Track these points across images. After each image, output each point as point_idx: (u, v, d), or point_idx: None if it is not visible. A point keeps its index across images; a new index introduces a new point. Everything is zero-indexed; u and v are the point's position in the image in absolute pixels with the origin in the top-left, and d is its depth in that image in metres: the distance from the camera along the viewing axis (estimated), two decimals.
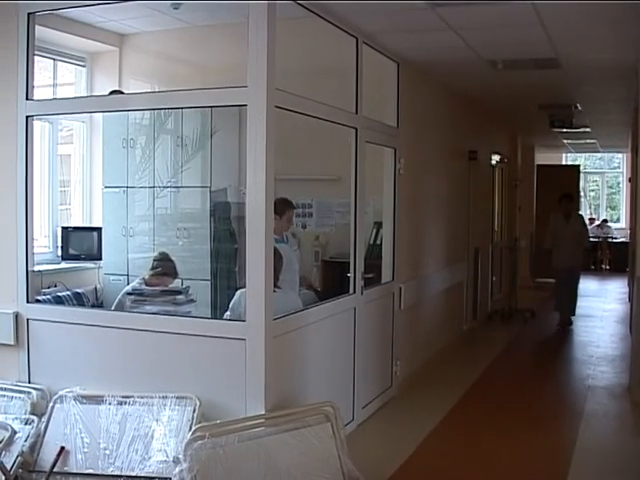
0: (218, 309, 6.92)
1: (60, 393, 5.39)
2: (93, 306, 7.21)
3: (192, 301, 6.56)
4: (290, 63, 5.65)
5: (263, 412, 5.05)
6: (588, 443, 6.61)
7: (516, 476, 5.86)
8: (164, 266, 6.81)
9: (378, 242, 8.18)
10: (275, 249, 5.43)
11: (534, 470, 5.99)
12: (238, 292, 5.96)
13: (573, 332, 11.81)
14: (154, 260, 6.87)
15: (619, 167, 24.55)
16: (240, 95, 5.07)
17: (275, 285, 5.62)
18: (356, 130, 6.62)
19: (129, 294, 6.52)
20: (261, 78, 4.98)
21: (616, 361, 9.81)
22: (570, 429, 6.97)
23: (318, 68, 7.48)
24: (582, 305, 13.84)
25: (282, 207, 7.27)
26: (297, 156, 7.83)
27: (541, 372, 9.42)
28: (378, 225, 8.19)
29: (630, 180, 14.38)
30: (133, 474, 4.96)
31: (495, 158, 13.78)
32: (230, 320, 5.68)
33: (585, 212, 21.84)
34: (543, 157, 20.10)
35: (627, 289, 14.86)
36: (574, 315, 12.48)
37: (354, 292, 6.73)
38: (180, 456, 4.66)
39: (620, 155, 23.62)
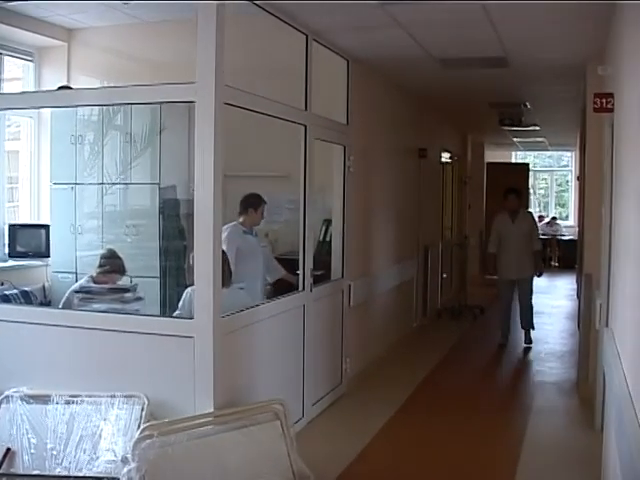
0: (167, 307, 6.89)
1: (6, 393, 5.32)
2: (41, 304, 7.12)
3: (140, 299, 6.52)
4: (240, 60, 5.65)
5: (212, 410, 5.04)
6: (536, 438, 6.69)
7: (465, 471, 5.91)
8: (112, 264, 6.76)
9: (328, 239, 8.20)
10: (223, 252, 5.44)
11: (483, 466, 6.05)
12: (188, 290, 5.94)
13: (520, 329, 11.91)
14: (101, 257, 6.81)
15: (568, 165, 24.85)
16: (188, 91, 5.05)
17: (227, 281, 5.64)
18: (305, 127, 6.63)
19: (77, 292, 6.45)
20: (210, 74, 4.96)
21: (565, 357, 9.93)
22: (519, 424, 7.05)
23: (268, 65, 7.47)
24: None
25: (257, 201, 7.45)
26: (247, 153, 7.84)
27: (490, 368, 9.52)
28: (328, 222, 8.21)
29: (578, 178, 14.52)
30: (81, 474, 4.92)
31: (445, 156, 13.88)
32: (178, 318, 5.66)
33: (534, 210, 22.05)
34: (493, 155, 20.28)
35: (575, 286, 15.06)
36: (533, 329, 10.78)
37: (303, 289, 6.74)
38: (128, 455, 4.63)
39: (569, 153, 23.91)
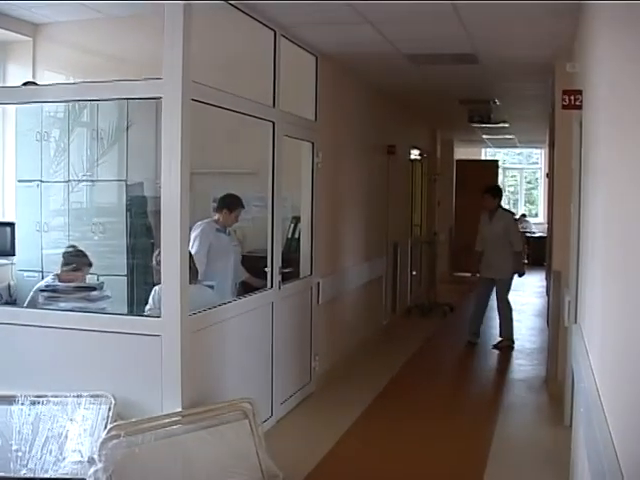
0: (135, 305, 6.84)
1: None
2: (6, 303, 7.05)
3: (107, 297, 6.46)
4: (208, 56, 5.62)
5: (180, 409, 5.02)
6: (506, 435, 6.73)
7: (434, 469, 5.93)
8: (78, 262, 6.70)
9: (296, 236, 8.19)
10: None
11: (453, 463, 6.07)
12: (155, 288, 5.91)
13: (492, 326, 11.97)
14: (64, 255, 6.75)
15: (537, 163, 25.01)
16: (155, 87, 5.02)
17: (194, 279, 5.62)
18: (273, 124, 6.62)
19: (42, 291, 6.39)
20: (176, 70, 4.94)
21: (534, 354, 9.99)
22: (488, 421, 7.08)
23: (236, 61, 7.44)
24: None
25: (234, 204, 7.47)
26: (214, 149, 7.81)
27: (460, 365, 9.56)
28: (296, 219, 8.20)
29: (548, 176, 14.61)
30: (47, 476, 4.87)
31: (414, 153, 13.91)
32: (145, 316, 5.63)
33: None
34: (462, 152, 20.36)
35: (545, 283, 15.15)
36: (506, 335, 10.48)
37: (272, 287, 6.73)
38: (95, 456, 4.60)
39: (538, 151, 24.06)
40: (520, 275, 10.70)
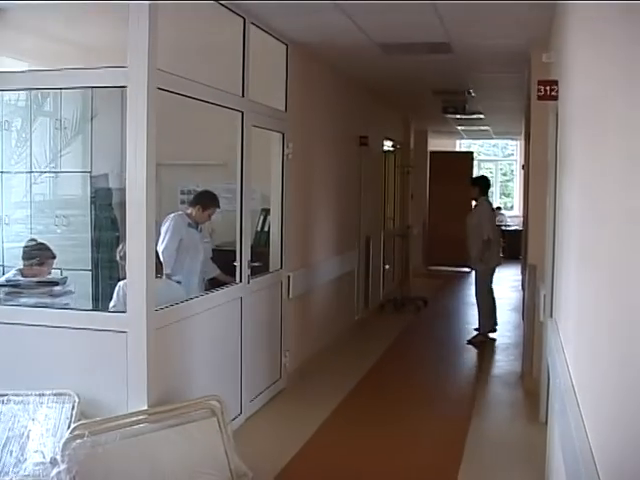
0: (99, 301, 6.79)
1: None
2: None
3: (70, 292, 6.41)
4: (175, 44, 5.59)
5: (146, 408, 5.00)
6: (481, 432, 6.76)
7: (408, 467, 5.95)
8: (41, 255, 6.64)
9: (266, 229, 8.18)
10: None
11: (426, 461, 6.09)
12: (120, 283, 5.87)
13: (466, 320, 12.02)
14: (25, 249, 6.69)
15: (513, 154, 25.13)
16: (120, 76, 4.98)
17: (159, 273, 5.59)
18: (242, 114, 6.60)
19: (2, 286, 6.33)
20: (142, 58, 4.91)
21: (509, 349, 10.05)
22: (462, 419, 7.11)
23: (205, 49, 7.40)
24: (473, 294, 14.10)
25: (209, 202, 7.48)
26: (182, 140, 7.76)
27: (434, 361, 9.58)
28: (266, 212, 8.19)
29: (523, 167, 14.68)
30: (7, 478, 4.82)
31: (387, 144, 13.92)
32: (110, 312, 5.59)
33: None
34: (436, 143, 20.40)
35: (520, 277, 15.23)
36: (483, 330, 10.60)
37: (240, 281, 6.72)
38: (58, 457, 4.55)
39: (514, 142, 24.16)
40: (482, 265, 10.48)
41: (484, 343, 10.35)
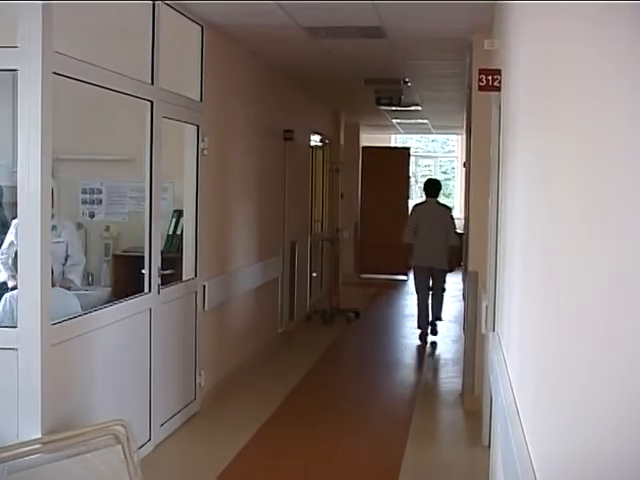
0: None
1: None
2: None
3: None
4: (76, 23, 5.50)
5: (40, 436, 4.90)
6: (417, 457, 6.78)
7: None
8: None
9: (178, 233, 8.13)
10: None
11: None
12: (6, 295, 5.75)
13: (402, 334, 12.08)
14: None
15: (454, 151, 25.37)
16: (9, 57, 4.88)
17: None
18: (151, 103, 6.53)
19: None
20: (35, 38, 4.81)
21: (449, 365, 10.13)
22: (398, 442, 7.12)
23: (110, 31, 7.33)
24: (410, 304, 14.21)
25: None
26: (83, 133, 7.67)
27: (366, 379, 9.59)
28: (179, 213, 8.14)
29: (464, 165, 14.83)
30: None
31: (315, 139, 13.93)
32: None
33: (416, 200, 22.34)
34: (369, 138, 20.50)
35: (462, 285, 15.36)
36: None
37: (149, 291, 6.64)
38: None
39: (455, 137, 24.41)
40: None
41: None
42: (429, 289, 11.81)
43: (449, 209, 12.29)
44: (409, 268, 12.38)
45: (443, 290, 12.02)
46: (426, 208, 11.84)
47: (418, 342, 11.36)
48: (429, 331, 11.74)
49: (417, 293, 11.86)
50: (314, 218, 14.10)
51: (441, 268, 11.63)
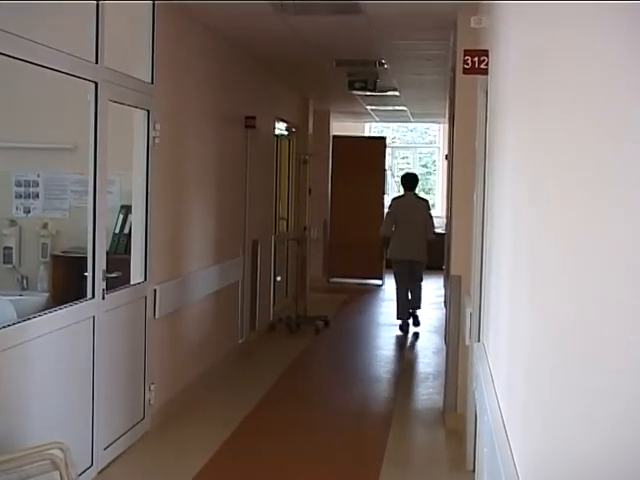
0: None
1: None
2: None
3: None
4: None
5: None
6: None
7: None
8: None
9: (126, 231, 8.09)
10: None
11: None
12: None
13: (376, 345, 12.09)
14: None
15: (435, 141, 25.41)
16: None
17: None
18: (96, 85, 6.48)
19: None
20: None
21: (429, 380, 10.14)
22: (371, 466, 7.11)
23: (49, 3, 7.29)
24: (388, 312, 14.24)
25: None
26: (17, 117, 7.61)
27: (336, 395, 9.58)
28: (127, 209, 8.10)
29: (447, 157, 14.85)
30: None
31: (280, 127, 13.92)
32: None
33: (392, 195, 22.31)
34: (341, 127, 20.52)
35: (443, 291, 15.39)
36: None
37: (93, 296, 6.60)
38: None
39: (436, 127, 24.45)
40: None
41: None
42: (408, 281, 13.37)
43: (427, 202, 14.02)
44: (384, 261, 14.40)
45: (420, 280, 13.55)
46: (405, 202, 13.47)
47: (388, 352, 11.40)
48: (411, 322, 13.35)
49: (397, 284, 13.52)
50: (279, 215, 14.11)
51: (421, 260, 13.32)
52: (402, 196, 13.72)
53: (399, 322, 13.25)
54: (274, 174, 13.66)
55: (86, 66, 6.38)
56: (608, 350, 1.66)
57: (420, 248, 13.19)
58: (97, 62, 6.51)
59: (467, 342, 6.83)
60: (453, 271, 8.05)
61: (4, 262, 8.25)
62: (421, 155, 25.90)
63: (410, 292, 13.47)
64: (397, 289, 13.55)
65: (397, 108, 17.61)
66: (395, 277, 13.58)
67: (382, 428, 8.34)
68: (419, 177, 14.56)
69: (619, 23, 1.65)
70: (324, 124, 18.60)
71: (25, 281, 8.28)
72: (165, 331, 8.22)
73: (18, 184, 7.76)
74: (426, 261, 13.46)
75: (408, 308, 13.41)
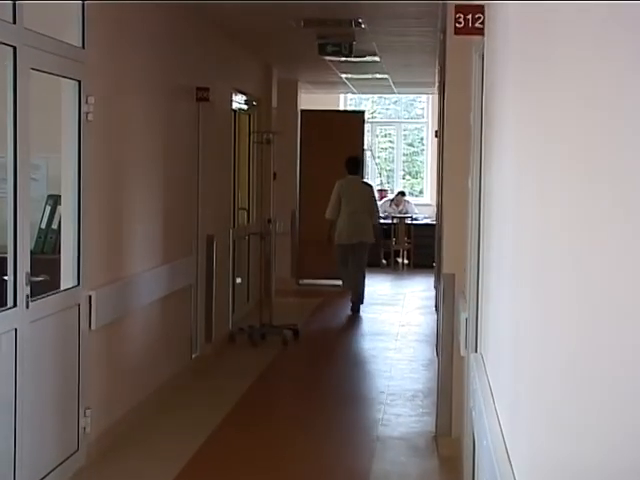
0: None
1: None
2: None
3: None
4: None
5: None
6: None
7: None
8: None
9: (55, 226, 8.06)
10: None
11: None
12: None
13: (356, 356, 12.09)
14: None
15: (422, 116, 25.45)
16: None
17: None
18: (14, 49, 6.44)
19: None
20: None
21: (417, 398, 10.15)
22: None
23: None
24: (369, 317, 14.25)
25: None
26: None
27: (308, 419, 9.57)
28: (55, 200, 8.06)
29: (437, 135, 14.88)
30: None
31: (239, 100, 13.91)
32: None
33: (374, 181, 22.35)
34: (311, 99, 20.52)
35: (434, 293, 15.42)
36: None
37: (14, 305, 6.56)
38: None
39: (424, 98, 24.50)
40: None
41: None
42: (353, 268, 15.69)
43: (372, 187, 16.78)
44: (331, 244, 15.75)
45: (364, 268, 15.89)
46: (351, 184, 15.73)
47: (371, 365, 11.93)
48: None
49: (341, 267, 15.99)
50: (238, 205, 14.13)
51: (369, 241, 15.65)
52: (346, 179, 15.72)
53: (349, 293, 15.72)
54: (232, 156, 13.68)
55: (2, 27, 6.33)
56: (630, 360, 1.64)
57: (367, 229, 15.49)
58: (14, 22, 6.46)
59: (462, 353, 6.83)
60: (445, 269, 8.06)
61: None
62: (406, 132, 25.92)
63: (353, 285, 15.81)
64: (342, 273, 16.16)
65: (377, 76, 17.64)
66: (339, 261, 15.92)
67: (364, 457, 8.34)
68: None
69: None
70: (291, 96, 18.65)
71: None
72: (103, 345, 8.20)
73: None
74: (373, 242, 15.79)
75: (357, 289, 15.72)
